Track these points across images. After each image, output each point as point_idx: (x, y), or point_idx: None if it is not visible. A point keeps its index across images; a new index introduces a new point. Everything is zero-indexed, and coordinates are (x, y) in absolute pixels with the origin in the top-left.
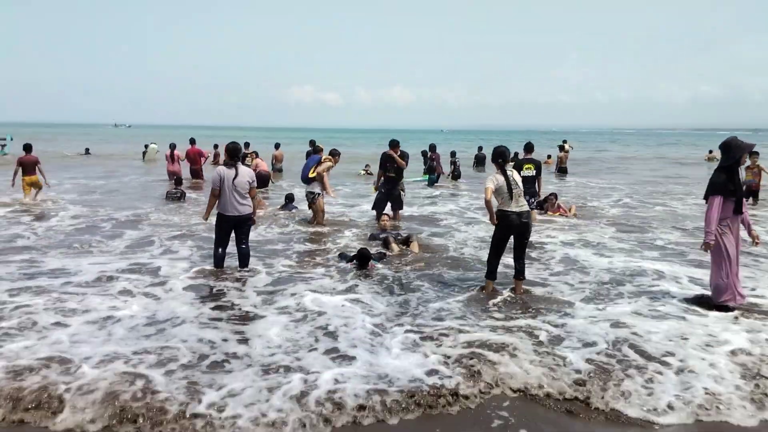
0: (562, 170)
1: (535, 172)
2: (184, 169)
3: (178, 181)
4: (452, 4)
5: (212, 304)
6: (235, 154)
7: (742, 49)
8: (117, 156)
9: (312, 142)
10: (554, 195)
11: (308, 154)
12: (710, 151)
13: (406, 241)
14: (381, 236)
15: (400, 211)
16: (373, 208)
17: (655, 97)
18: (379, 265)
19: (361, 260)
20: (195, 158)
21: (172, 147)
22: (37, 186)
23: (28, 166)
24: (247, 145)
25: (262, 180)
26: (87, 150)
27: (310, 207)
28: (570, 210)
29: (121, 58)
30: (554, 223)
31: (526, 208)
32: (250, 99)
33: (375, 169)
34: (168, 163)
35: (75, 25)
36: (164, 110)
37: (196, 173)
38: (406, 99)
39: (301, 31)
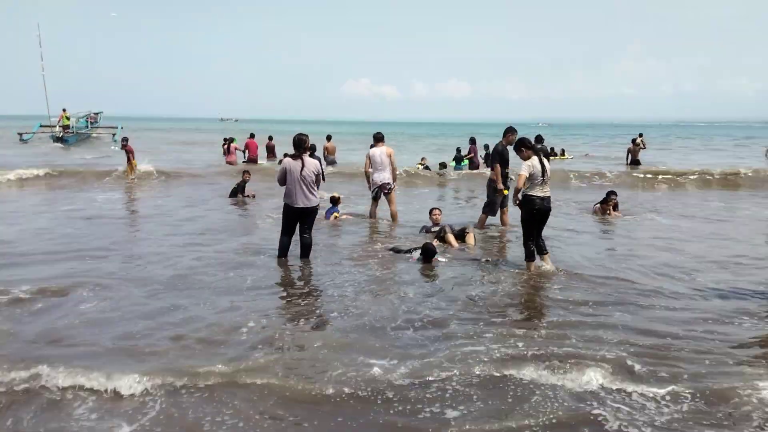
0: (634, 162)
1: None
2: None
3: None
4: None
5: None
6: (300, 145)
7: None
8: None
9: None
10: (612, 193)
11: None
12: None
13: (461, 234)
14: (433, 229)
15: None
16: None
17: (722, 88)
18: (442, 259)
19: (426, 254)
20: (252, 149)
21: (229, 141)
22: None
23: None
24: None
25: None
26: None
27: (388, 196)
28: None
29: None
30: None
31: (549, 193)
32: (304, 94)
33: (431, 162)
34: (226, 156)
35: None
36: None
37: (254, 161)
38: (463, 92)
39: (356, 25)
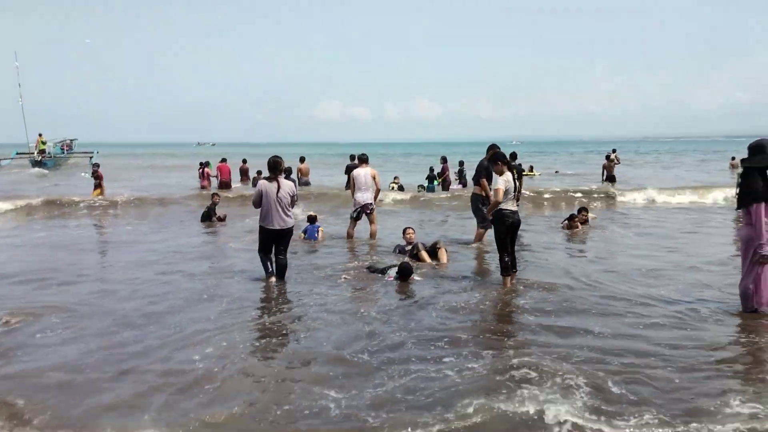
0: (610, 178)
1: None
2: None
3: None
4: (477, 17)
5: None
6: (275, 168)
7: None
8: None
9: (352, 157)
10: (584, 209)
11: (348, 168)
12: (733, 158)
13: (433, 251)
14: (407, 248)
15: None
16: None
17: (687, 104)
18: (418, 278)
19: (403, 273)
20: (224, 173)
21: (204, 165)
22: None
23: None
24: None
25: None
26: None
27: (368, 218)
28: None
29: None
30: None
31: (517, 208)
32: (276, 116)
33: (405, 181)
34: (201, 180)
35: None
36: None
37: (227, 185)
38: (434, 112)
39: (327, 48)
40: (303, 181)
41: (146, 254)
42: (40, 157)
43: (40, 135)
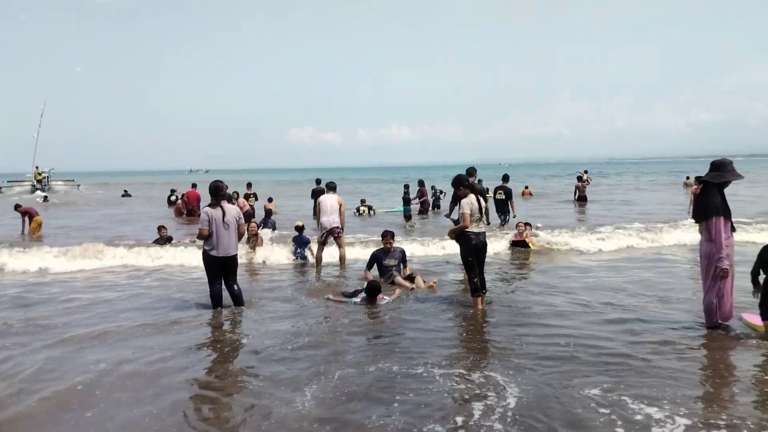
0: (581, 198)
1: (504, 196)
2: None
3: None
4: (444, 40)
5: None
6: (217, 193)
7: (738, 75)
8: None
9: (318, 181)
10: (527, 224)
11: (314, 192)
12: (687, 177)
13: (410, 278)
14: (386, 262)
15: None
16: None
17: (651, 124)
18: (387, 298)
19: (371, 292)
20: (192, 200)
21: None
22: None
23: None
24: (249, 185)
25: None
26: (125, 192)
27: (337, 239)
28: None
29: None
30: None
31: (483, 229)
32: (249, 142)
33: (374, 203)
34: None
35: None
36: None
37: (193, 212)
38: (405, 136)
39: (299, 74)
40: (272, 223)
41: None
42: (39, 186)
43: (36, 168)
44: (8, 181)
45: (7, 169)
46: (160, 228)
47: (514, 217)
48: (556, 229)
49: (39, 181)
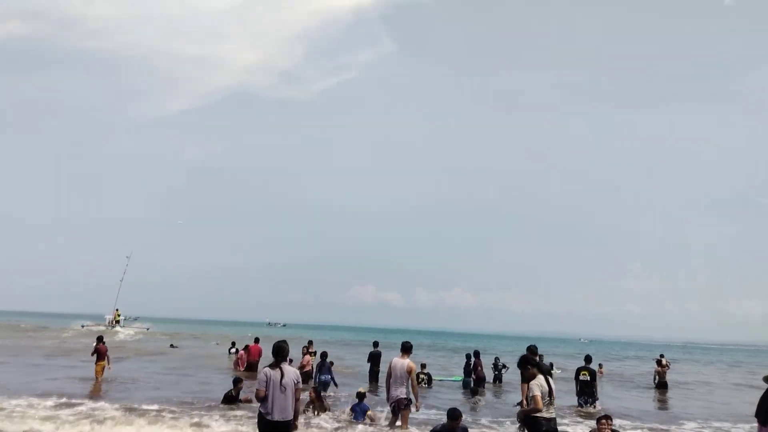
0: (661, 385)
1: (589, 377)
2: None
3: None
4: (507, 221)
5: None
6: (278, 354)
7: None
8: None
9: (375, 344)
10: (608, 418)
11: (371, 356)
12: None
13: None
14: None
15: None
16: None
17: (728, 310)
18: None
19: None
20: (253, 354)
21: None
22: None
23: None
24: (310, 343)
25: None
26: (171, 345)
27: (402, 412)
28: None
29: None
30: None
31: (554, 414)
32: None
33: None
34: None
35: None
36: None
37: (253, 367)
38: (468, 302)
39: (362, 230)
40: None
41: None
42: (116, 325)
43: (117, 310)
44: (83, 325)
45: (93, 309)
46: (237, 381)
47: (597, 399)
48: (637, 420)
49: (117, 322)
